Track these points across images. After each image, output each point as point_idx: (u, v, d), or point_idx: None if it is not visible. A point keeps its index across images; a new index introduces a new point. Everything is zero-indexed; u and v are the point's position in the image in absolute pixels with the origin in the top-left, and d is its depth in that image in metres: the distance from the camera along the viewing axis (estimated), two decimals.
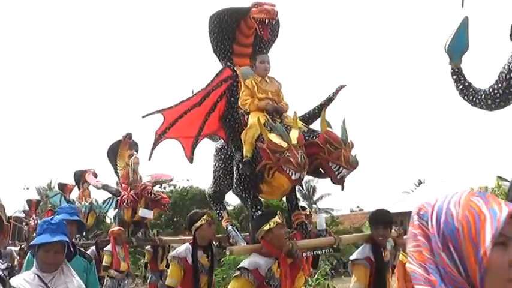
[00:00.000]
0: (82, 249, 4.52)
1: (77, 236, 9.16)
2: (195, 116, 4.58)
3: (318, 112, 4.88)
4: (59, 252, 3.27)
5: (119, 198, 8.94)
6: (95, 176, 11.89)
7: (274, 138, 4.16)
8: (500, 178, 15.01)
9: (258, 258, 4.04)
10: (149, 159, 4.54)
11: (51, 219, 3.40)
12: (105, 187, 9.95)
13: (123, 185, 9.13)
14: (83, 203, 11.92)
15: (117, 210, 9.22)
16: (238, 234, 4.82)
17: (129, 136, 9.30)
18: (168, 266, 11.04)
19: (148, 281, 10.25)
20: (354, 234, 5.55)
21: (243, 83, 4.68)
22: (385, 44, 71.77)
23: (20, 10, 68.17)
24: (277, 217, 4.07)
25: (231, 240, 4.90)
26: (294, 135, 4.19)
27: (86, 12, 72.69)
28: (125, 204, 8.71)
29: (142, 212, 8.59)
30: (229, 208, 29.15)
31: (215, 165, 5.18)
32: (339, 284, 13.57)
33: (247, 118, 4.68)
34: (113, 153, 9.39)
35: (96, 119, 67.10)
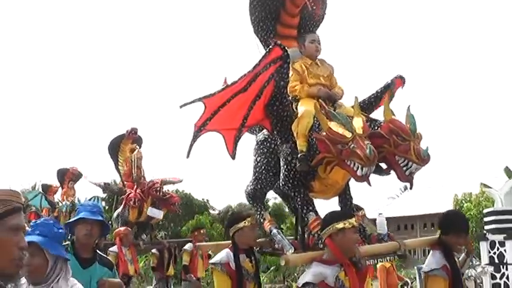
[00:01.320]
0: (102, 254, 3.87)
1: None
2: (238, 104, 3.94)
3: (374, 101, 4.38)
4: (33, 254, 2.74)
5: (123, 197, 8.31)
6: (78, 174, 11.59)
7: (335, 127, 3.60)
8: (484, 185, 14.79)
9: (322, 267, 3.44)
10: (187, 156, 3.88)
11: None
12: (106, 186, 9.36)
13: (126, 183, 8.56)
14: (64, 202, 11.36)
15: (119, 209, 8.51)
16: (284, 238, 4.21)
17: (134, 131, 8.71)
18: (176, 274, 10.70)
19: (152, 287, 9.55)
20: (419, 239, 5.02)
21: (291, 67, 4.09)
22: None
23: (21, 7, 67.41)
24: (354, 219, 3.45)
25: (276, 246, 4.28)
26: (358, 123, 3.64)
27: (86, 11, 72.02)
28: (131, 203, 8.04)
29: (151, 212, 8.01)
30: (214, 212, 29.11)
31: (256, 160, 4.56)
32: None
33: (296, 106, 4.16)
34: (114, 148, 8.78)
35: (81, 120, 66.31)
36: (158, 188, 8.20)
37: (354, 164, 3.48)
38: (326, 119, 3.68)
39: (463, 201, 28.53)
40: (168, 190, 8.59)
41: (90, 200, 11.35)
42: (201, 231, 9.07)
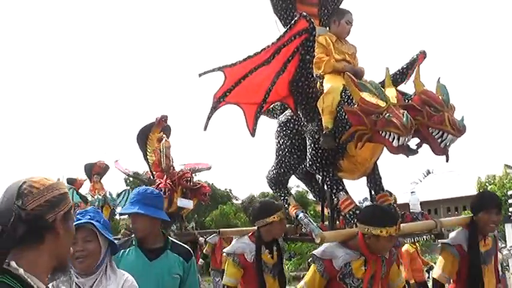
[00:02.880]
0: (178, 242, 3.47)
1: None
2: (261, 78, 3.73)
3: (400, 77, 4.22)
4: (87, 239, 2.64)
5: (153, 187, 8.21)
6: (105, 167, 11.52)
7: (368, 97, 3.44)
8: (507, 166, 14.52)
9: (338, 247, 3.41)
10: (205, 128, 3.71)
11: None
12: (136, 175, 9.24)
13: (155, 173, 8.35)
14: (96, 196, 11.22)
15: None
16: (312, 221, 4.03)
17: (164, 118, 8.51)
18: (203, 265, 10.59)
19: None
20: (456, 217, 4.83)
21: (316, 40, 3.88)
22: None
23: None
24: (394, 228, 3.24)
25: (303, 230, 4.17)
26: (391, 93, 3.48)
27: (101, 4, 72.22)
28: (161, 193, 7.86)
29: (181, 202, 7.81)
30: (238, 202, 29.12)
31: (279, 142, 4.40)
32: None
33: (321, 83, 4.01)
34: (144, 137, 8.54)
35: (101, 116, 66.72)
36: (189, 178, 8.02)
37: (390, 135, 3.33)
38: (357, 90, 3.53)
39: (487, 184, 28.12)
40: (199, 180, 8.46)
41: (120, 193, 11.54)
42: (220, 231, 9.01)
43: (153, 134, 8.59)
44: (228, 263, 4.21)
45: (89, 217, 2.66)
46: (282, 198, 4.52)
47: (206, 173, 8.65)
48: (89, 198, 11.06)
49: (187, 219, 8.77)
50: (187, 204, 8.00)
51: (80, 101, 68.23)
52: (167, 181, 7.97)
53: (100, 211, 2.88)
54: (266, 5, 4.32)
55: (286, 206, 4.41)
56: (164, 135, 8.41)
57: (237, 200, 29.90)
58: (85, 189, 11.82)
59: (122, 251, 3.24)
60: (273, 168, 4.50)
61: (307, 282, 3.47)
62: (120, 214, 11.39)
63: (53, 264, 1.54)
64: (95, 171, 11.42)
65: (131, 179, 24.50)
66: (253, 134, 3.91)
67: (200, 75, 3.57)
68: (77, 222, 2.56)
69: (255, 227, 4.17)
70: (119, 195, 11.63)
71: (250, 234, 4.24)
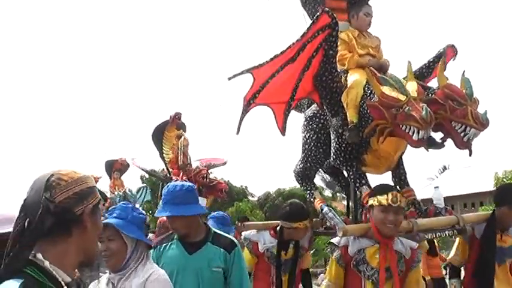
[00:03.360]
0: (221, 233, 3.33)
1: None
2: (287, 76, 3.79)
3: (426, 71, 4.23)
4: (111, 238, 2.65)
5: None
6: (126, 165, 11.49)
7: (388, 91, 3.46)
8: None
9: (356, 237, 3.43)
10: (237, 132, 3.78)
11: None
12: (153, 172, 9.25)
13: (172, 170, 8.43)
14: (116, 193, 11.19)
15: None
16: (336, 215, 4.07)
17: (178, 116, 8.58)
18: None
19: None
20: (478, 213, 4.78)
21: (339, 37, 3.92)
22: None
23: None
24: (385, 196, 3.23)
25: (328, 224, 4.16)
26: (412, 87, 3.50)
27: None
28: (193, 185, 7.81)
29: None
30: (253, 199, 29.22)
31: (305, 137, 4.42)
32: None
33: (346, 78, 4.02)
34: (159, 135, 8.59)
35: (113, 113, 67.05)
36: (205, 175, 8.07)
37: (410, 128, 3.35)
38: (378, 84, 3.55)
39: (504, 179, 27.84)
40: (215, 177, 8.46)
41: (138, 191, 11.48)
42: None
43: (168, 132, 8.65)
44: (245, 250, 4.27)
45: (115, 215, 2.68)
46: (308, 192, 4.56)
47: (222, 170, 8.69)
48: (109, 195, 11.08)
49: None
50: (201, 202, 7.91)
51: (94, 100, 68.53)
52: (183, 178, 7.96)
53: (131, 206, 2.84)
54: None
55: (312, 199, 4.46)
56: (183, 133, 8.44)
57: (253, 197, 29.95)
58: (101, 185, 11.81)
59: (164, 245, 3.24)
60: (300, 162, 4.53)
61: (327, 274, 3.54)
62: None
63: (80, 258, 1.52)
64: (116, 168, 11.43)
65: (147, 176, 24.63)
66: (283, 133, 3.97)
67: (229, 78, 3.63)
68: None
69: (279, 222, 4.19)
70: (138, 191, 11.59)
71: (271, 228, 4.28)
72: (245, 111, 3.76)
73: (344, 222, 3.96)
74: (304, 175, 4.55)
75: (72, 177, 1.50)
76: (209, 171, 8.46)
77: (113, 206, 2.84)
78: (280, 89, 3.85)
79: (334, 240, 3.51)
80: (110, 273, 2.69)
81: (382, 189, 3.34)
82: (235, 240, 3.32)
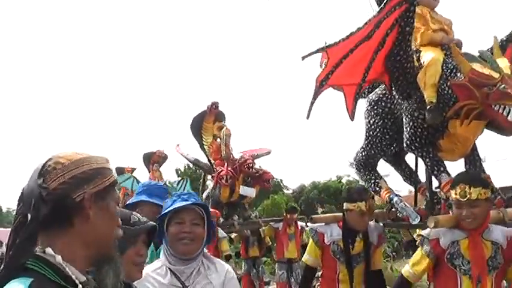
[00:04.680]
0: None
1: None
2: (360, 55, 3.53)
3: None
4: (196, 222, 2.42)
5: (213, 175, 7.97)
6: (165, 157, 11.33)
7: (479, 68, 3.15)
8: None
9: (447, 229, 3.12)
10: (307, 116, 3.53)
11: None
12: (197, 161, 8.99)
13: (215, 161, 8.08)
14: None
15: (209, 189, 8.09)
16: (408, 206, 3.79)
17: (215, 105, 8.24)
18: (264, 253, 10.29)
19: (242, 270, 9.21)
20: None
21: None
22: None
23: None
24: (458, 189, 2.98)
25: (398, 215, 3.90)
26: (503, 63, 3.18)
27: None
28: (223, 181, 7.50)
29: (244, 190, 7.53)
30: (288, 192, 28.95)
31: (369, 122, 4.16)
32: (401, 266, 12.54)
33: (418, 57, 3.72)
34: (198, 126, 8.28)
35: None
36: (250, 165, 7.69)
37: (504, 108, 3.05)
38: (466, 60, 3.23)
39: None
40: (260, 166, 8.18)
41: (178, 183, 11.28)
42: (294, 216, 8.70)
43: (207, 123, 8.36)
44: (310, 241, 4.08)
45: (194, 200, 2.49)
46: (372, 181, 4.29)
47: (257, 162, 8.29)
48: None
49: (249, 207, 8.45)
50: (250, 192, 7.70)
51: (132, 92, 69.03)
52: (228, 168, 7.66)
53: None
54: None
55: (377, 189, 4.18)
56: (224, 124, 8.19)
57: (288, 189, 29.68)
58: (140, 178, 11.62)
59: None
60: (362, 150, 4.27)
61: (413, 265, 3.22)
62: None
63: (89, 252, 1.31)
64: (154, 160, 11.22)
65: (182, 170, 24.47)
66: (352, 117, 3.72)
67: (303, 58, 3.37)
68: (185, 204, 2.42)
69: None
70: (178, 183, 11.38)
71: (340, 220, 4.00)
72: (317, 93, 3.50)
73: (417, 213, 3.74)
74: (367, 164, 4.29)
75: (71, 160, 1.30)
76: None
77: (180, 192, 2.74)
78: (353, 70, 3.59)
79: (424, 232, 3.20)
80: (170, 263, 2.43)
81: (463, 178, 3.07)
82: None
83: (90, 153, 1.35)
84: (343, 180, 26.93)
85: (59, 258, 1.22)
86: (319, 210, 24.32)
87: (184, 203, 2.41)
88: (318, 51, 3.40)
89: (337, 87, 3.68)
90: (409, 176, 4.44)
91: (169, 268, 2.42)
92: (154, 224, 2.11)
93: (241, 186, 7.60)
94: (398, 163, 4.53)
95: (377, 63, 3.62)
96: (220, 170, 7.73)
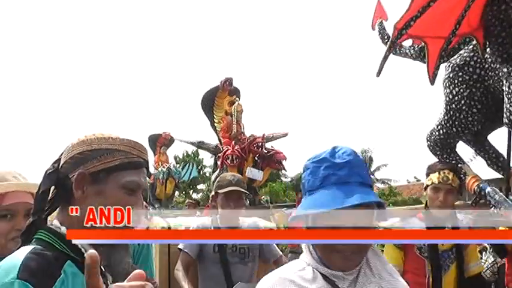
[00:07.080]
0: None
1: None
2: (451, 3, 2.77)
3: None
4: None
5: (219, 155, 7.28)
6: (171, 139, 10.96)
7: None
8: None
9: None
10: (378, 74, 2.82)
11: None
12: (201, 144, 8.35)
13: (223, 140, 7.53)
14: (160, 169, 10.58)
15: (217, 172, 7.40)
16: (505, 197, 3.09)
17: (229, 81, 7.65)
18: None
19: None
20: None
21: None
22: None
23: None
24: None
25: (494, 210, 3.13)
26: None
27: None
28: (228, 161, 6.94)
29: (250, 173, 6.86)
30: (287, 180, 28.53)
31: (451, 93, 3.39)
32: None
33: None
34: (209, 102, 7.74)
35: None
36: (260, 144, 7.10)
37: None
38: None
39: None
40: (272, 146, 7.49)
41: (183, 167, 11.01)
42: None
43: (219, 99, 7.79)
44: (387, 244, 3.22)
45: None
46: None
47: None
48: (152, 170, 10.37)
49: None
50: (257, 175, 7.06)
51: (137, 72, 68.26)
52: (235, 148, 7.09)
53: None
54: None
55: (461, 177, 3.36)
56: (237, 99, 7.58)
57: (286, 178, 29.38)
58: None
59: None
60: (440, 127, 3.49)
61: None
62: None
63: None
64: (161, 142, 10.85)
65: (180, 157, 23.94)
66: (433, 81, 2.99)
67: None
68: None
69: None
70: (184, 168, 11.14)
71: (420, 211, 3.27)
72: (394, 43, 2.80)
73: None
74: (446, 144, 3.50)
75: (80, 139, 1.32)
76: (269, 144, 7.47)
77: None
78: (441, 20, 2.84)
79: None
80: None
81: None
82: None
83: (112, 134, 1.33)
84: None
85: (63, 229, 1.25)
86: None
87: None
88: None
89: (419, 38, 2.96)
90: (496, 159, 3.68)
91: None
92: None
93: (248, 167, 6.93)
94: (481, 143, 3.76)
95: (473, 13, 2.87)
96: (226, 149, 7.14)
